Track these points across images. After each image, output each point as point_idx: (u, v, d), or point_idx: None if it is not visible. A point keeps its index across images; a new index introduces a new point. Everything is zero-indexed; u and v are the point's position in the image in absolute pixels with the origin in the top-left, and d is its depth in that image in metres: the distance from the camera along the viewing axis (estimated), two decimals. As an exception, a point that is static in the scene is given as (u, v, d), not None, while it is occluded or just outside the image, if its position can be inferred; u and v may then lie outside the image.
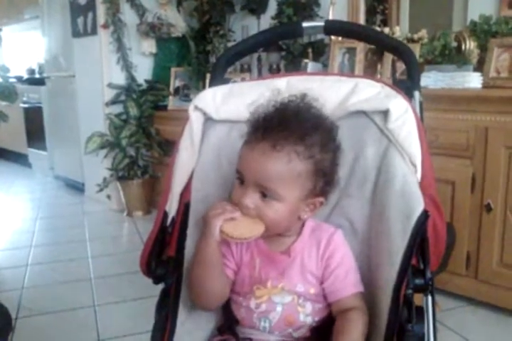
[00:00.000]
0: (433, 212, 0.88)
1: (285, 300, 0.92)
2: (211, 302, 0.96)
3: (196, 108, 1.03)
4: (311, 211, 0.93)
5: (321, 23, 1.10)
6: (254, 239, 0.89)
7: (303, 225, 0.96)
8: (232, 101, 1.02)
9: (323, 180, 0.89)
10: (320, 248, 0.93)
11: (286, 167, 0.84)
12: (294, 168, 0.85)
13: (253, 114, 0.90)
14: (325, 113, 0.91)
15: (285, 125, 0.85)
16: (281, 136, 0.84)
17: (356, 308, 0.90)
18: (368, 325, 0.88)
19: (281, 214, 0.87)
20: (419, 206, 0.86)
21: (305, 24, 1.11)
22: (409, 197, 0.88)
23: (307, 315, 0.93)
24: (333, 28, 1.16)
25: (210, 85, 1.11)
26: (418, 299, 0.88)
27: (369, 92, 0.97)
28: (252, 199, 0.87)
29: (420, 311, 0.85)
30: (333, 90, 0.99)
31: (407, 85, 1.04)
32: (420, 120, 0.96)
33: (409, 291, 0.84)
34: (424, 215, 0.85)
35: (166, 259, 1.00)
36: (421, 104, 1.04)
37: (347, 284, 0.92)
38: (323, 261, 0.93)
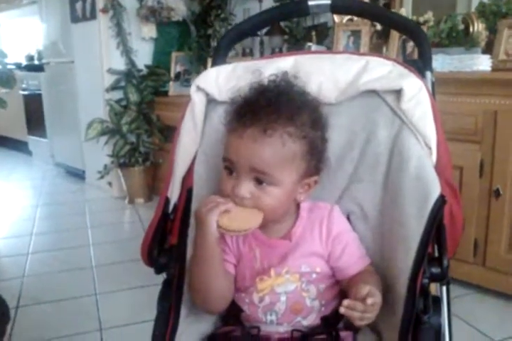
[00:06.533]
0: (449, 197, 0.84)
1: (288, 289, 0.89)
2: (220, 303, 0.91)
3: (198, 88, 0.99)
4: (306, 192, 0.90)
5: (328, 1, 1.05)
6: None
7: (298, 208, 0.93)
8: (236, 81, 0.96)
9: (316, 158, 0.87)
10: (322, 227, 0.91)
11: (280, 150, 0.82)
12: (289, 150, 0.82)
13: (234, 99, 0.87)
14: (307, 90, 0.88)
15: (271, 107, 0.81)
16: (269, 119, 0.81)
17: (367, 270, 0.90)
18: (383, 316, 0.84)
19: (279, 198, 0.85)
20: (435, 190, 0.82)
21: (311, 2, 1.05)
22: (424, 181, 0.84)
23: (313, 299, 0.90)
24: (340, 6, 1.10)
25: (213, 66, 1.07)
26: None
27: (381, 71, 0.92)
28: (247, 188, 0.83)
29: (436, 301, 0.82)
30: (343, 69, 0.94)
31: (418, 65, 0.99)
32: (434, 100, 0.92)
33: (426, 280, 0.80)
34: (441, 200, 0.81)
35: (169, 248, 0.96)
36: (433, 84, 1.00)
37: (358, 259, 0.91)
38: (330, 240, 0.90)
